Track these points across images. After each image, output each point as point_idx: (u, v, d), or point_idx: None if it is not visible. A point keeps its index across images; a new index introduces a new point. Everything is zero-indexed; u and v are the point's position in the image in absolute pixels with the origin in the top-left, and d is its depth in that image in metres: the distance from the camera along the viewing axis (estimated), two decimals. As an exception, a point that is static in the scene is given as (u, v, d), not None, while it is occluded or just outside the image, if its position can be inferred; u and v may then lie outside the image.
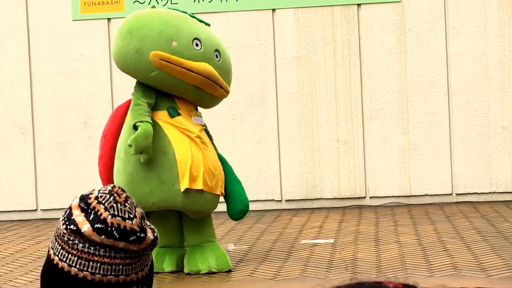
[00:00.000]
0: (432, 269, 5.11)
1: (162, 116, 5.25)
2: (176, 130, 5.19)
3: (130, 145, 4.97)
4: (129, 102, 5.35)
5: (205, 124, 5.56)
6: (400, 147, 8.12)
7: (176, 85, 5.25)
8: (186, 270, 5.31)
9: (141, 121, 5.01)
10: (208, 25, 5.56)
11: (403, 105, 8.12)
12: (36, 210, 8.44)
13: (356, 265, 5.30)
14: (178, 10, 5.48)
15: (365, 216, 7.49)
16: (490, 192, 8.07)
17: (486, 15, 8.05)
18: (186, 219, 5.41)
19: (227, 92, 5.48)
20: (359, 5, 8.15)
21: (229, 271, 5.30)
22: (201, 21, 5.49)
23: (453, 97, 8.09)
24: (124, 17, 8.24)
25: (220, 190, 5.31)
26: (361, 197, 8.17)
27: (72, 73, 8.37)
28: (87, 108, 8.36)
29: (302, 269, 5.27)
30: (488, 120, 8.06)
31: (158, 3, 8.23)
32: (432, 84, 8.10)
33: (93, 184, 8.33)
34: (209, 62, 5.28)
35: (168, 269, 5.34)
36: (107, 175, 5.32)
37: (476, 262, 5.26)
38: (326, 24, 8.17)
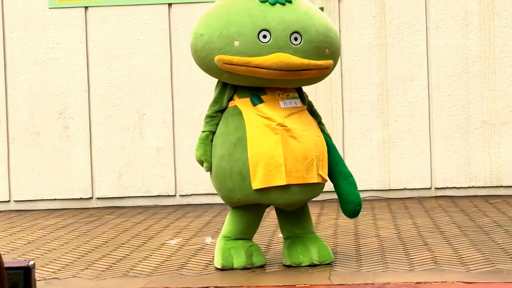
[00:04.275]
0: (412, 263, 5.06)
1: (245, 104, 4.95)
2: (257, 120, 4.88)
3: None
4: None
5: (309, 103, 5.21)
6: (379, 140, 8.07)
7: (254, 82, 4.95)
8: (287, 263, 5.03)
9: (203, 131, 5.03)
10: (290, 1, 4.99)
11: (383, 98, 8.07)
12: (9, 201, 8.29)
13: (336, 258, 5.23)
14: None
15: (344, 209, 7.42)
16: (469, 187, 8.05)
17: (467, 9, 8.02)
18: (281, 211, 5.13)
19: (327, 67, 5.00)
20: (340, -4, 8.08)
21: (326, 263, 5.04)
22: (279, 1, 4.94)
23: (433, 91, 8.05)
24: (101, 6, 8.18)
25: (318, 178, 4.88)
26: (339, 191, 8.10)
27: (48, 62, 8.23)
28: (63, 97, 8.22)
29: (281, 263, 5.19)
30: (468, 115, 8.03)
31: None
32: (412, 78, 8.06)
33: (68, 175, 8.20)
34: (284, 50, 4.83)
35: (239, 265, 4.99)
36: None
37: (456, 256, 5.22)
38: (306, 15, 8.08)
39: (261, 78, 4.91)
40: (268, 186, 4.79)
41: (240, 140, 4.85)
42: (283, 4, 4.95)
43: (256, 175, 4.78)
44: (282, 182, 4.79)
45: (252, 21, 4.85)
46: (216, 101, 5.03)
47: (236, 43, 4.82)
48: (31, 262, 1.54)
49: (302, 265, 4.98)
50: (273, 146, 4.82)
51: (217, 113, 5.00)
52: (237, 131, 4.88)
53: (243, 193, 4.85)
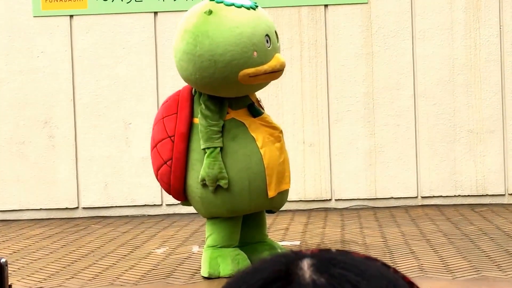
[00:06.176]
0: (398, 271, 5.06)
1: (243, 115, 4.93)
2: (263, 131, 4.92)
3: (203, 182, 4.81)
4: (189, 94, 5.02)
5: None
6: (366, 149, 8.08)
7: (258, 88, 5.02)
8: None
9: (209, 147, 4.81)
10: (257, 6, 5.00)
11: (370, 108, 8.08)
12: (-6, 211, 8.23)
13: (322, 267, 5.22)
14: (234, 4, 4.86)
15: (331, 218, 7.43)
16: (455, 196, 8.06)
17: (453, 18, 8.05)
18: (254, 216, 5.17)
19: None
20: (326, 6, 8.09)
21: None
22: (249, 6, 4.92)
23: (419, 100, 8.07)
24: (86, 14, 8.15)
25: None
26: (326, 200, 8.11)
27: (33, 71, 8.19)
28: (48, 106, 8.19)
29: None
30: (454, 124, 8.06)
31: (129, 2, 8.10)
32: (398, 87, 8.08)
33: (54, 185, 8.16)
34: (277, 50, 4.95)
35: (226, 273, 4.94)
36: (178, 182, 4.99)
37: (443, 264, 5.23)
38: (293, 24, 8.10)
39: (265, 84, 5.01)
40: (278, 192, 4.93)
41: (254, 153, 4.86)
42: (257, 7, 5.00)
43: (271, 184, 4.88)
44: (287, 186, 4.99)
45: (259, 29, 4.83)
46: (218, 113, 4.88)
47: (255, 54, 4.77)
48: (3, 260, 1.54)
49: None
50: (279, 154, 4.94)
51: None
52: (248, 144, 4.87)
53: (257, 203, 4.91)
